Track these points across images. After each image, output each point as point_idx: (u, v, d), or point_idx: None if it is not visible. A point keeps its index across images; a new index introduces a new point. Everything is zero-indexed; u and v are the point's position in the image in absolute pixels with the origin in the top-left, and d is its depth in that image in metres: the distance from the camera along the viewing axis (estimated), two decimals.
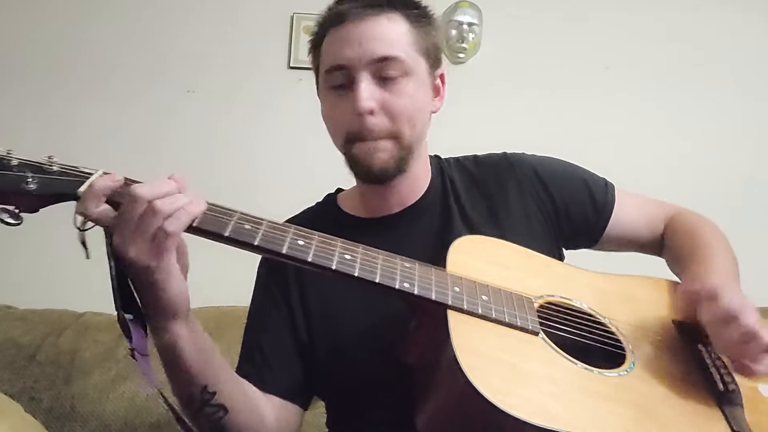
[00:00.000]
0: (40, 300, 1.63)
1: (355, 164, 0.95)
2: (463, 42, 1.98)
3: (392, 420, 0.85)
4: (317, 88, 1.02)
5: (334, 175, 2.07)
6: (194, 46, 2.01)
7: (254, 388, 0.91)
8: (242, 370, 0.96)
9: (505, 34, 2.03)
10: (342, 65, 0.91)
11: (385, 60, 0.90)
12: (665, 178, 1.97)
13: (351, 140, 0.93)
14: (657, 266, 1.07)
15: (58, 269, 1.85)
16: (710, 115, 2.00)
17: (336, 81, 0.93)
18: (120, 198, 0.71)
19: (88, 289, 1.72)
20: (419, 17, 0.96)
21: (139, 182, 0.72)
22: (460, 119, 1.95)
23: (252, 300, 1.06)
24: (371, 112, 0.90)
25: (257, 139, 1.99)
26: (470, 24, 1.97)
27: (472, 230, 0.96)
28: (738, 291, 0.86)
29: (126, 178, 0.73)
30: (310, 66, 1.98)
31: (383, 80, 0.91)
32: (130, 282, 0.73)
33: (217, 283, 1.83)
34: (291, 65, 2.01)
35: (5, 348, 1.49)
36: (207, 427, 0.82)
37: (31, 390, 1.44)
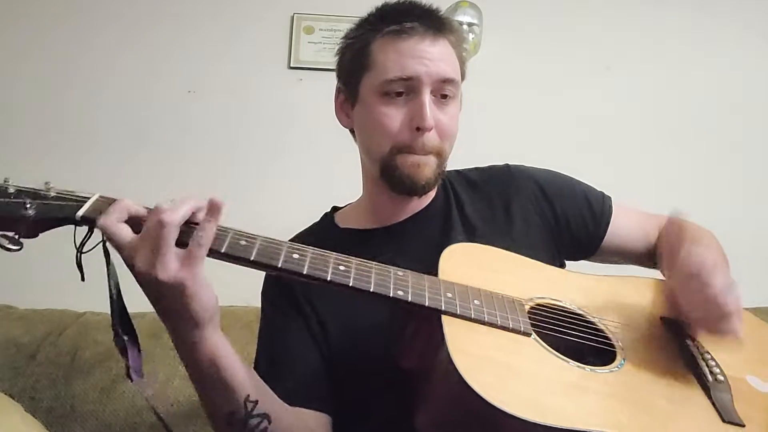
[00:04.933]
0: (40, 300, 1.63)
1: (394, 174, 0.97)
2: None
3: (391, 422, 0.86)
4: (346, 89, 1.03)
5: (334, 173, 2.07)
6: (195, 47, 2.02)
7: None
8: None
9: (505, 34, 2.03)
10: (410, 77, 0.94)
11: (448, 81, 0.95)
12: (666, 177, 1.97)
13: (398, 151, 0.96)
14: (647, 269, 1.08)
15: (58, 269, 1.84)
16: (711, 115, 2.01)
17: (396, 89, 0.95)
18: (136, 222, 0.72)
19: (88, 289, 1.72)
20: (460, 42, 1.01)
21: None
22: (460, 119, 1.95)
23: (262, 319, 1.06)
24: (430, 129, 0.94)
25: (257, 138, 1.99)
26: (470, 24, 1.97)
27: (473, 238, 0.99)
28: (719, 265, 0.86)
29: (102, 197, 0.74)
30: (310, 66, 2.02)
31: (437, 100, 0.96)
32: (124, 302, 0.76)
33: (217, 283, 1.83)
34: (291, 65, 2.01)
35: (5, 348, 1.49)
36: None
37: (31, 390, 1.44)
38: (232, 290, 1.73)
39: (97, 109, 1.98)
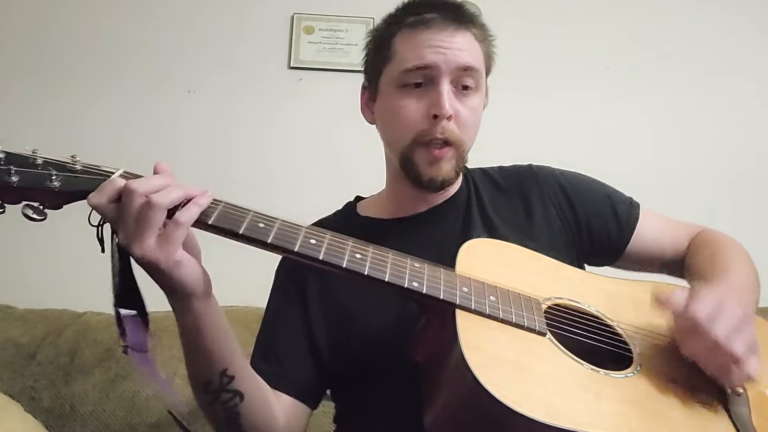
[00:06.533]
0: (40, 300, 1.63)
1: (414, 169, 0.96)
2: None
3: (399, 415, 0.85)
4: (370, 85, 1.04)
5: (333, 173, 2.06)
6: (195, 47, 2.02)
7: (265, 384, 0.92)
8: (255, 367, 0.96)
9: (505, 34, 2.02)
10: (428, 66, 0.93)
11: (468, 69, 0.94)
12: (666, 177, 1.97)
13: (417, 143, 0.95)
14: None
15: (58, 269, 1.85)
16: (710, 115, 2.01)
17: (414, 79, 0.95)
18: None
19: (88, 289, 1.72)
20: (485, 37, 1.00)
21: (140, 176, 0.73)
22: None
23: (269, 299, 1.07)
24: (450, 117, 0.93)
25: (257, 138, 1.99)
26: None
27: (492, 234, 0.98)
28: (733, 300, 0.81)
29: (126, 172, 0.74)
30: (310, 66, 2.02)
31: (458, 91, 0.95)
32: (134, 276, 0.75)
33: (219, 283, 1.83)
34: (291, 65, 2.01)
35: (5, 348, 1.49)
36: (222, 416, 0.84)
37: (31, 390, 1.44)
38: (233, 290, 1.74)
39: (97, 108, 1.98)
